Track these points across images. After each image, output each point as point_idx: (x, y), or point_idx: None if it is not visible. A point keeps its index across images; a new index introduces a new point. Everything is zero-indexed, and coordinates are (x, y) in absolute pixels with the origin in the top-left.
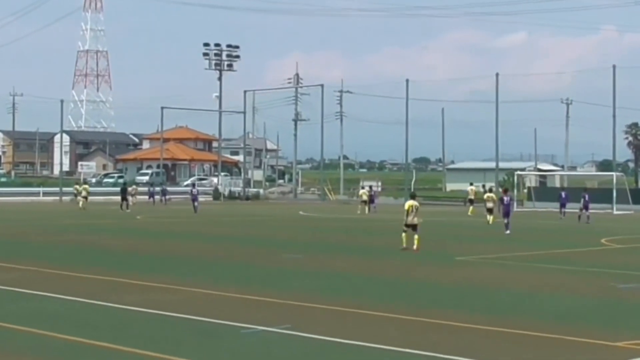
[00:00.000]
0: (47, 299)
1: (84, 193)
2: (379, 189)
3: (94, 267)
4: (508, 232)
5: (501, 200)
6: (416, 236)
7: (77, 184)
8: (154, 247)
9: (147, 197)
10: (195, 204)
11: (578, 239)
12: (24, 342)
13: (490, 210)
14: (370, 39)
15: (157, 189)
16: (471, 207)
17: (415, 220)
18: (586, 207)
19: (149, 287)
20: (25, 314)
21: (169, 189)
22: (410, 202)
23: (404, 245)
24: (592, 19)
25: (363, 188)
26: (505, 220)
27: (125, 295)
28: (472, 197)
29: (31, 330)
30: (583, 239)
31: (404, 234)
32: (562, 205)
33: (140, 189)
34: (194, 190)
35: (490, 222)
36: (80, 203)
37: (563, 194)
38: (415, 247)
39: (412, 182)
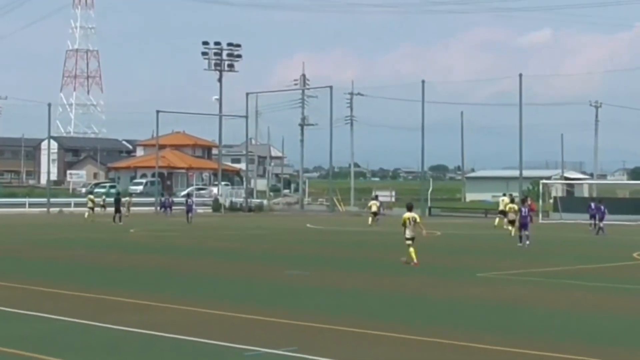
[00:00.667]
0: (36, 319)
1: (90, 204)
2: (393, 199)
3: (86, 285)
4: (520, 244)
5: (520, 211)
6: (412, 249)
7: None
8: (150, 262)
9: (154, 207)
10: (190, 214)
11: (608, 253)
12: None
13: (512, 222)
14: (383, 37)
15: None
16: (497, 219)
17: (414, 234)
18: (601, 219)
19: (145, 306)
20: (13, 335)
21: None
22: (407, 215)
23: (414, 259)
24: (624, 14)
25: (374, 199)
26: (521, 233)
27: (120, 314)
28: (503, 208)
29: (19, 353)
30: (613, 253)
31: (411, 249)
32: (592, 217)
33: (135, 199)
34: (189, 200)
35: (513, 234)
36: (86, 214)
37: (593, 205)
38: (404, 260)
39: (429, 192)
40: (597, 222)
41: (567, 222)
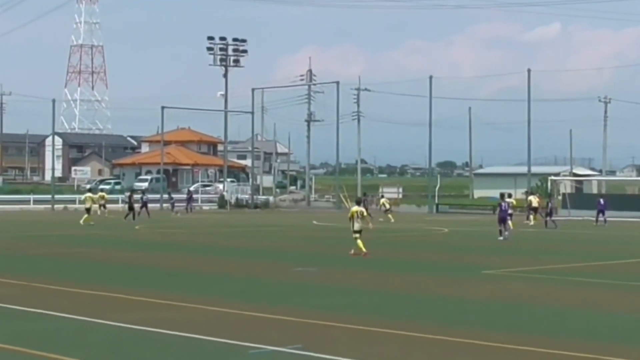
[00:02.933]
0: (41, 317)
1: (88, 203)
2: (400, 195)
3: (91, 282)
4: (501, 238)
5: (500, 205)
6: (359, 240)
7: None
8: (155, 260)
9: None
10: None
11: (617, 249)
12: None
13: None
14: (391, 32)
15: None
16: (532, 216)
17: (359, 226)
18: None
19: (150, 304)
20: (18, 332)
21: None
22: (354, 208)
23: (364, 250)
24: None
25: (383, 197)
26: (500, 227)
27: (125, 312)
28: (536, 205)
29: (24, 351)
30: (623, 250)
31: (358, 241)
32: (600, 212)
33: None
34: (144, 197)
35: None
36: (99, 211)
37: (602, 201)
38: (362, 250)
39: (436, 189)
40: (603, 217)
41: (576, 219)
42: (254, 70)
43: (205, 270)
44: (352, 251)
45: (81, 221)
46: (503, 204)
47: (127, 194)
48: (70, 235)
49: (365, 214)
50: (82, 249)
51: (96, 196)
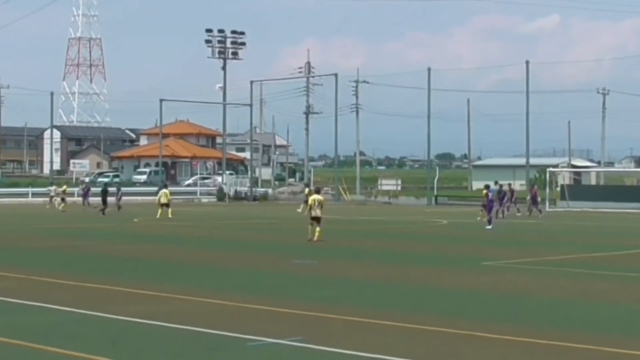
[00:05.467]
0: (40, 310)
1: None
2: (399, 187)
3: (90, 275)
4: (490, 227)
5: (487, 196)
6: (318, 228)
7: (56, 184)
8: (154, 253)
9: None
10: (86, 201)
11: (615, 241)
12: (15, 357)
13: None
14: (390, 24)
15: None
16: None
17: (319, 213)
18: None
19: (149, 297)
20: (16, 325)
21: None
22: (313, 197)
23: (309, 236)
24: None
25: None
26: (488, 217)
27: (124, 305)
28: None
29: (23, 344)
30: (620, 242)
31: (309, 226)
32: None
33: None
34: (85, 188)
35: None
36: (56, 204)
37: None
38: (315, 238)
39: (435, 181)
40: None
41: (574, 210)
42: (253, 63)
43: (204, 263)
44: (310, 237)
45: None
46: (490, 193)
47: (101, 187)
48: (68, 228)
49: (323, 203)
50: (79, 241)
51: (60, 188)
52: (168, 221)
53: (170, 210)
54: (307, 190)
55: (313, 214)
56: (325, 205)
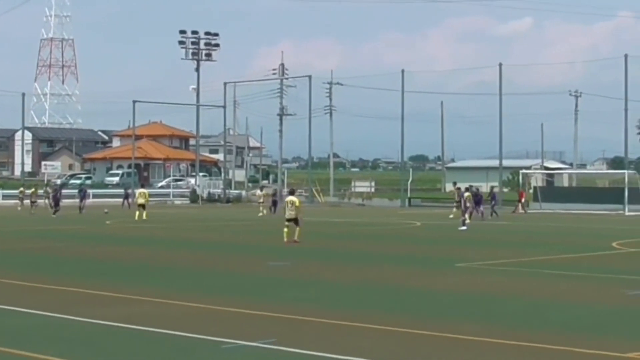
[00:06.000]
0: (11, 314)
1: (140, 200)
2: (373, 189)
3: (63, 278)
4: (464, 227)
5: (460, 196)
6: (297, 229)
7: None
8: (127, 255)
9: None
10: (57, 207)
11: (587, 242)
12: None
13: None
14: (365, 26)
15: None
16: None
17: (294, 215)
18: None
19: (122, 300)
20: None
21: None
22: (288, 198)
23: (285, 239)
24: (606, 3)
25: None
26: (462, 218)
27: (98, 308)
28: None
29: None
30: (593, 243)
31: (285, 229)
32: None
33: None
34: (57, 195)
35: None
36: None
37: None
38: (296, 237)
39: (409, 182)
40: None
41: (547, 212)
42: (227, 64)
43: (176, 265)
44: (296, 236)
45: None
46: (464, 195)
47: (55, 187)
48: (39, 230)
49: (297, 204)
50: (51, 243)
51: (28, 191)
52: (141, 223)
53: (145, 212)
54: (264, 191)
55: (287, 215)
56: (300, 207)
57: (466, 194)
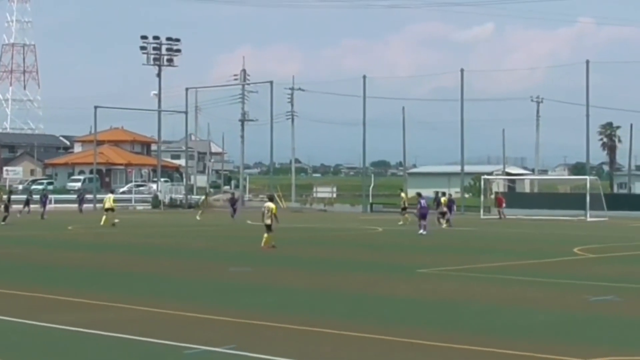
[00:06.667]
0: None
1: (107, 204)
2: (334, 195)
3: (23, 283)
4: (423, 232)
5: (419, 202)
6: (266, 235)
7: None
8: (88, 260)
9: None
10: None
11: (549, 248)
12: None
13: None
14: (326, 32)
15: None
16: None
17: (268, 222)
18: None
19: (83, 305)
20: None
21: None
22: (266, 204)
23: (263, 244)
24: (567, 10)
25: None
26: (422, 222)
27: (58, 314)
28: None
29: None
30: (554, 249)
31: (265, 235)
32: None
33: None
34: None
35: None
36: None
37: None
38: (263, 243)
39: (370, 188)
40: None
41: (509, 218)
42: (189, 70)
43: (138, 270)
44: (266, 245)
45: None
46: (422, 200)
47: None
48: (2, 235)
49: (273, 210)
50: (13, 249)
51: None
52: (102, 229)
53: (106, 217)
54: (204, 197)
55: (266, 222)
56: (276, 213)
57: (443, 199)
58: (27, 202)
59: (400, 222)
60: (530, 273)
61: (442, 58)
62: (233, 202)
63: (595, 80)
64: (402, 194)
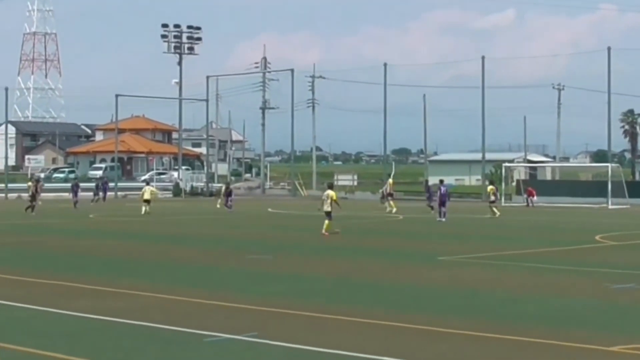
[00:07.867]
0: None
1: (146, 195)
2: (355, 182)
3: (43, 271)
4: (443, 219)
5: (439, 189)
6: (327, 221)
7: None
8: (109, 248)
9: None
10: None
11: (571, 236)
12: None
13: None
14: (346, 20)
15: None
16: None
17: (329, 208)
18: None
19: (104, 293)
20: None
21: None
22: (326, 192)
23: (325, 231)
24: None
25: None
26: (442, 209)
27: (79, 301)
28: (390, 191)
29: None
30: (576, 236)
31: (326, 221)
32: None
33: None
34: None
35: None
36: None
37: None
38: (324, 230)
39: (391, 176)
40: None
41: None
42: (209, 58)
43: (159, 259)
44: (325, 230)
45: None
46: (442, 188)
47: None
48: (23, 224)
49: (334, 197)
50: (35, 238)
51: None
52: (123, 217)
53: (147, 208)
54: (223, 187)
55: (325, 208)
56: (337, 200)
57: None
58: (98, 189)
59: (388, 209)
60: (551, 261)
61: (462, 46)
62: (228, 193)
63: (616, 67)
64: (390, 180)
